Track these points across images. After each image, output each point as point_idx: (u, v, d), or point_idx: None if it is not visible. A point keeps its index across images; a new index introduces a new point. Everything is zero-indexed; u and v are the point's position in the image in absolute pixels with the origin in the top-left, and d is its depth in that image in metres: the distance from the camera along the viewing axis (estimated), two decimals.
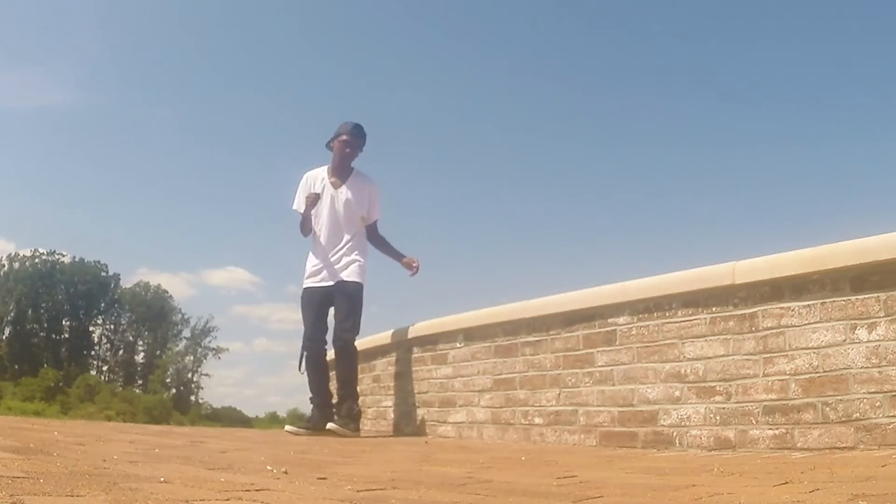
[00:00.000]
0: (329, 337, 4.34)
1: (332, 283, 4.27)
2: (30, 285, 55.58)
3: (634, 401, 3.12)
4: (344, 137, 4.39)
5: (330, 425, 4.07)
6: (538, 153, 74.23)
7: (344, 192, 4.37)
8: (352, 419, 4.14)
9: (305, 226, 4.40)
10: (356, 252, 4.30)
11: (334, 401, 4.36)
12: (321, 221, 4.36)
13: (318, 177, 4.45)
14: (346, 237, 4.31)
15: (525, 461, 2.67)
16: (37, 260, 57.20)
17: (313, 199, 4.31)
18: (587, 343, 3.38)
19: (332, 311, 4.33)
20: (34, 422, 4.14)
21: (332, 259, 4.30)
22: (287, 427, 4.32)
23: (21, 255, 57.43)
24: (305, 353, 4.34)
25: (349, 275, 4.25)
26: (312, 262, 4.38)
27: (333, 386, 4.48)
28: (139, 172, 75.76)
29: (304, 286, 4.39)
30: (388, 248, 4.51)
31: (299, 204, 4.41)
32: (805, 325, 2.62)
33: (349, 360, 4.27)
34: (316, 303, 4.32)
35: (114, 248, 75.40)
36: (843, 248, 2.55)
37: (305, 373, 4.37)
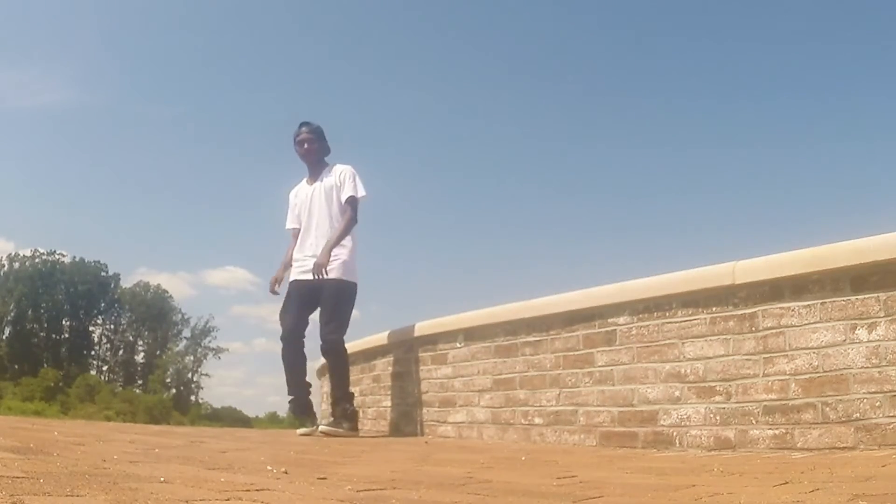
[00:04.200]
0: (314, 335, 4.31)
1: (312, 277, 4.19)
2: (30, 285, 55.58)
3: (634, 401, 3.12)
4: (297, 139, 4.45)
5: (322, 427, 4.07)
6: (538, 153, 74.29)
7: (317, 188, 4.38)
8: (346, 419, 4.15)
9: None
10: (339, 246, 4.23)
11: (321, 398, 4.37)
12: (305, 221, 4.39)
13: (298, 186, 4.53)
14: (325, 230, 4.29)
15: (525, 461, 2.67)
16: (37, 260, 57.22)
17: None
18: (587, 343, 3.38)
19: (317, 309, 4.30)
20: (34, 422, 4.14)
21: (313, 254, 4.25)
22: (299, 430, 4.26)
23: (21, 255, 57.51)
24: (283, 346, 4.32)
25: (332, 271, 4.17)
26: (297, 256, 4.37)
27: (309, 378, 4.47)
28: (139, 172, 75.85)
29: (290, 279, 4.36)
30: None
31: (290, 222, 4.52)
32: (805, 325, 2.62)
33: (339, 361, 4.27)
34: (300, 295, 4.27)
35: (114, 248, 75.51)
36: (843, 248, 2.55)
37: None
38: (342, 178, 4.33)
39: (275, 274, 4.50)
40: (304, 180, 4.52)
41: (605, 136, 74.26)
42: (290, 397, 4.32)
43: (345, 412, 4.18)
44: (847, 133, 69.40)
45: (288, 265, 4.48)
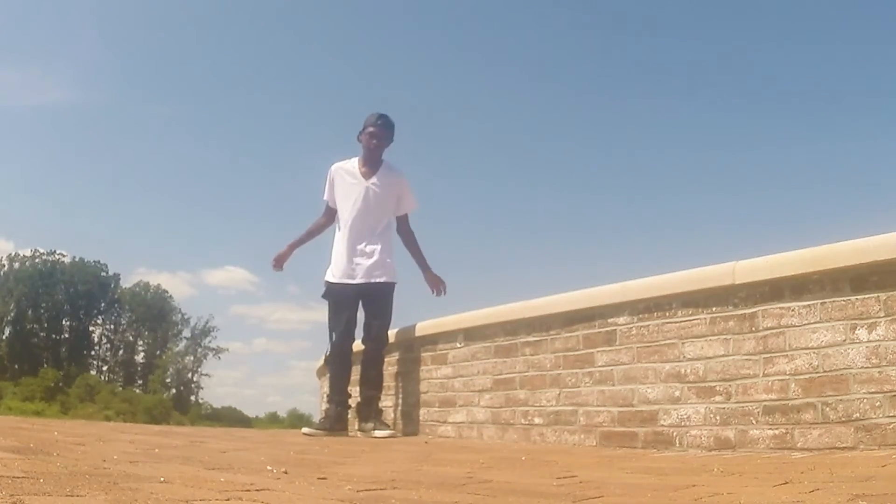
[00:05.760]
0: (359, 336, 4.33)
1: (363, 280, 4.19)
2: (30, 285, 55.60)
3: (634, 401, 3.12)
4: (370, 129, 4.33)
5: (377, 433, 4.03)
6: (538, 153, 74.36)
7: (374, 184, 4.31)
8: (379, 416, 4.23)
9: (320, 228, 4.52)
10: (387, 249, 4.27)
11: (356, 400, 4.34)
12: (350, 213, 4.30)
13: (347, 167, 4.41)
14: (377, 230, 4.26)
15: (525, 461, 2.67)
16: (37, 260, 57.25)
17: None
18: (587, 343, 3.38)
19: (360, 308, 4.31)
20: (34, 422, 4.14)
21: (363, 255, 4.23)
22: (304, 429, 4.24)
23: (21, 255, 57.57)
24: (334, 352, 4.30)
25: (383, 275, 4.20)
26: (341, 256, 4.27)
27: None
28: (139, 172, 75.92)
29: (334, 281, 4.28)
30: (415, 249, 4.45)
31: (329, 196, 4.44)
32: (805, 325, 2.62)
33: (382, 356, 4.33)
34: (348, 301, 4.24)
35: (114, 248, 75.53)
36: (843, 248, 2.55)
37: (328, 369, 4.37)
38: (403, 188, 4.39)
39: (283, 249, 4.51)
40: (357, 163, 4.39)
41: (605, 136, 74.35)
42: (328, 406, 4.29)
43: (381, 413, 4.25)
44: (847, 133, 69.49)
45: (302, 243, 4.53)
